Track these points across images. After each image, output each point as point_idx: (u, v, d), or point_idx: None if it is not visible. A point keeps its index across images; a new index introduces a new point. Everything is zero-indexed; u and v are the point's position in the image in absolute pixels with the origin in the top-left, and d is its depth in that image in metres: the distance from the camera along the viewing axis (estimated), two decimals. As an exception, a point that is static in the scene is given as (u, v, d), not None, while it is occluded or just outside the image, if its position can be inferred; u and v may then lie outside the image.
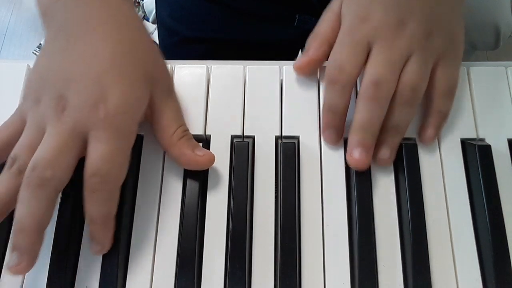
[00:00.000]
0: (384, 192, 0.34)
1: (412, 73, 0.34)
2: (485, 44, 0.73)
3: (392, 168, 0.35)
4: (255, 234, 0.33)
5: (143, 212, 0.34)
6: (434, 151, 0.36)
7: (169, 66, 0.37)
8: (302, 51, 0.67)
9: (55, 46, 0.33)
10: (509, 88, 0.38)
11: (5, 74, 0.39)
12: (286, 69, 0.38)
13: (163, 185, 0.35)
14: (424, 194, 0.34)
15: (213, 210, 0.34)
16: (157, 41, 0.63)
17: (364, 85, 0.33)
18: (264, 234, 0.33)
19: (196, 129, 0.36)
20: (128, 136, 0.32)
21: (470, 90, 0.38)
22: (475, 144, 0.34)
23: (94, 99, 0.30)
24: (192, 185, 0.34)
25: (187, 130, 0.35)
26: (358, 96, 0.34)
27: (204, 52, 0.60)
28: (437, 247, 0.33)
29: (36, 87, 0.32)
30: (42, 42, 1.53)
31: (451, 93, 0.36)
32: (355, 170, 0.34)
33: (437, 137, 0.36)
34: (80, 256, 0.33)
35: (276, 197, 0.34)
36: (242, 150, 0.34)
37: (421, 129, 0.36)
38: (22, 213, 0.29)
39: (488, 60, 0.39)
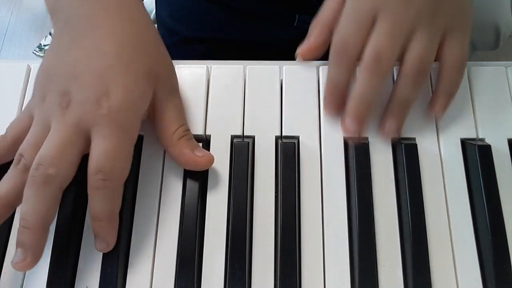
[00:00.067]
0: (384, 192, 0.34)
1: (418, 47, 0.34)
2: (485, 44, 0.73)
3: (392, 168, 0.35)
4: (255, 234, 0.33)
5: (143, 212, 0.34)
6: (434, 151, 0.36)
7: (169, 66, 0.37)
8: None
9: (61, 43, 0.33)
10: (509, 88, 0.38)
11: (5, 74, 0.39)
12: (286, 69, 0.38)
13: (163, 185, 0.35)
14: (424, 194, 0.34)
15: (213, 210, 0.34)
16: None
17: (365, 57, 0.34)
18: (264, 234, 0.33)
19: (196, 129, 0.36)
20: (131, 132, 0.32)
21: (470, 90, 0.38)
22: (475, 144, 0.34)
23: (98, 95, 0.30)
24: (192, 185, 0.34)
25: (188, 130, 0.34)
26: (359, 66, 0.34)
27: (204, 52, 0.60)
28: (437, 247, 0.33)
29: (42, 83, 0.33)
30: (42, 42, 1.53)
31: (460, 67, 0.36)
32: (355, 170, 0.34)
33: (438, 136, 0.36)
34: (80, 256, 0.33)
35: (276, 197, 0.34)
36: (242, 150, 0.35)
37: (432, 101, 0.36)
38: (27, 210, 0.29)
39: (488, 60, 0.39)
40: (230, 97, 0.37)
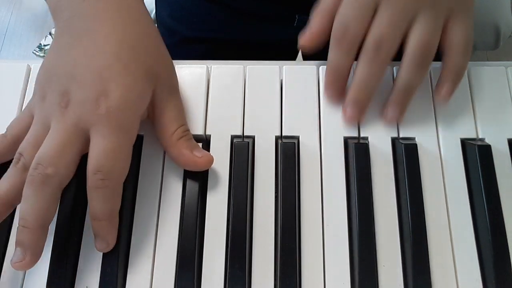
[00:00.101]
0: (384, 192, 0.34)
1: (421, 31, 0.34)
2: (485, 44, 0.73)
3: (392, 168, 0.35)
4: (255, 234, 0.33)
5: (143, 212, 0.34)
6: (434, 151, 0.36)
7: (169, 66, 0.37)
8: (302, 51, 0.67)
9: (62, 42, 0.33)
10: (509, 88, 0.38)
11: (5, 74, 0.39)
12: (286, 69, 0.38)
13: (163, 185, 0.35)
14: (424, 194, 0.34)
15: (213, 210, 0.34)
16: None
17: (366, 44, 0.34)
18: (264, 234, 0.33)
19: (196, 129, 0.36)
20: (130, 132, 0.32)
21: (470, 90, 0.38)
22: (475, 144, 0.34)
23: (96, 94, 0.30)
24: (192, 185, 0.34)
25: (187, 130, 0.34)
26: (360, 54, 0.34)
27: (204, 52, 0.60)
28: (437, 247, 0.33)
29: (43, 83, 0.33)
30: (42, 42, 1.53)
31: (466, 48, 0.35)
32: (355, 170, 0.34)
33: (438, 136, 0.36)
34: (80, 256, 0.33)
35: (276, 197, 0.34)
36: (242, 150, 0.34)
37: (438, 86, 0.36)
38: (26, 210, 0.29)
39: (488, 60, 0.39)
40: (230, 97, 0.37)
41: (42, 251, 0.30)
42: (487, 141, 0.36)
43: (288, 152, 0.34)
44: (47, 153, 0.29)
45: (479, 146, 0.34)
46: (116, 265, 0.32)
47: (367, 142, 0.35)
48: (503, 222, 0.32)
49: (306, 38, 0.36)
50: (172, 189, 0.35)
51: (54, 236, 0.32)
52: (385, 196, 0.34)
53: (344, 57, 0.35)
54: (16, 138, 0.32)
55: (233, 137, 0.36)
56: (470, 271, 0.32)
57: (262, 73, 0.38)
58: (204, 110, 0.37)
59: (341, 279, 0.32)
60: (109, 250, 0.32)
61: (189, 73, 0.38)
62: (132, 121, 0.32)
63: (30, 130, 0.32)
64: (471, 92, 0.37)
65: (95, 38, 0.32)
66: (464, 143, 0.36)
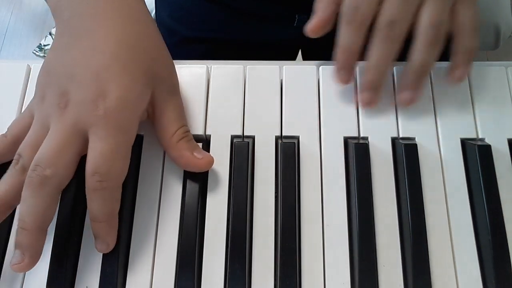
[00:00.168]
0: (384, 192, 0.34)
1: (430, 11, 0.34)
2: (485, 44, 0.73)
3: (392, 168, 0.35)
4: (255, 234, 0.33)
5: (143, 212, 0.34)
6: (434, 151, 0.36)
7: (169, 66, 0.37)
8: (302, 51, 0.67)
9: (62, 43, 0.33)
10: (509, 88, 0.38)
11: (5, 74, 0.39)
12: (286, 69, 0.38)
13: (163, 185, 0.35)
14: (424, 194, 0.34)
15: (213, 210, 0.34)
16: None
17: (378, 25, 0.34)
18: (264, 234, 0.33)
19: (196, 129, 0.36)
20: (128, 132, 0.31)
21: (470, 90, 0.38)
22: (475, 144, 0.35)
23: (94, 95, 0.30)
24: (192, 185, 0.34)
25: (188, 131, 0.34)
26: (373, 36, 0.35)
27: (204, 52, 0.60)
28: (437, 247, 0.33)
29: (42, 83, 0.33)
30: (42, 42, 1.53)
31: (476, 29, 0.36)
32: (355, 170, 0.34)
33: (438, 136, 0.36)
34: (80, 256, 0.33)
35: (276, 197, 0.34)
36: (242, 150, 0.34)
37: (451, 69, 0.36)
38: (24, 211, 0.29)
39: (488, 60, 0.39)
40: (230, 97, 0.37)
41: (41, 253, 0.30)
42: (487, 141, 0.36)
43: (288, 152, 0.34)
44: (45, 155, 0.29)
45: (479, 146, 0.34)
46: (116, 265, 0.32)
47: (367, 142, 0.35)
48: (503, 222, 0.32)
49: (313, 25, 0.36)
50: (172, 189, 0.35)
51: (54, 236, 0.32)
52: (385, 196, 0.34)
53: (355, 36, 0.35)
54: (16, 138, 0.32)
55: (233, 137, 0.36)
56: (470, 271, 0.32)
57: (262, 73, 0.38)
58: (204, 110, 0.37)
59: (341, 279, 0.32)
60: (109, 250, 0.32)
61: (189, 73, 0.38)
62: (131, 122, 0.31)
63: (29, 131, 0.32)
64: (471, 92, 0.38)
65: (94, 38, 0.32)
66: (464, 143, 0.36)
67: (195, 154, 0.33)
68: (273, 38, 0.60)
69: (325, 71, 0.38)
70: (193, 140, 0.34)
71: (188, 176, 0.34)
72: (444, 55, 0.36)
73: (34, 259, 0.30)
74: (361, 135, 0.36)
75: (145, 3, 0.37)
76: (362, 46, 0.36)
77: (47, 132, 0.30)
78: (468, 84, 0.38)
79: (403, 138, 0.36)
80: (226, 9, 0.59)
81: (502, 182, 0.34)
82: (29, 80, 0.39)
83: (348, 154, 0.35)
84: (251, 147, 0.35)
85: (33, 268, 0.30)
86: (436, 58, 0.35)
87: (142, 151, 0.36)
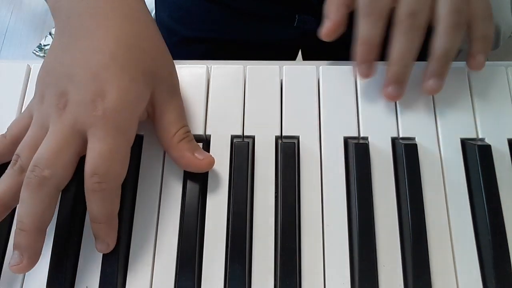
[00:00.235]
0: (384, 192, 0.34)
1: (448, 0, 0.35)
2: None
3: (392, 168, 0.35)
4: (255, 234, 0.33)
5: (143, 212, 0.34)
6: (434, 151, 0.36)
7: (169, 66, 0.37)
8: (302, 51, 0.67)
9: (61, 43, 0.33)
10: (509, 88, 0.38)
11: (5, 74, 0.39)
12: (286, 69, 0.38)
13: (163, 185, 0.35)
14: (424, 194, 0.34)
15: (213, 210, 0.34)
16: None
17: (399, 18, 0.35)
18: (264, 234, 0.33)
19: (196, 129, 0.36)
20: (127, 133, 0.31)
21: (470, 90, 0.38)
22: (475, 144, 0.34)
23: (93, 96, 0.30)
24: (192, 185, 0.34)
25: (188, 131, 0.34)
26: (394, 29, 0.35)
27: (204, 52, 0.60)
28: (437, 247, 0.33)
29: (42, 84, 0.33)
30: (42, 42, 1.53)
31: (489, 16, 0.37)
32: (355, 170, 0.34)
33: (438, 136, 0.36)
34: (80, 256, 0.33)
35: (276, 197, 0.34)
36: (242, 150, 0.34)
37: (469, 57, 0.37)
38: (23, 213, 0.29)
39: (488, 60, 0.39)
40: (230, 97, 0.37)
41: (40, 254, 0.30)
42: (487, 141, 0.36)
43: (288, 152, 0.34)
44: (44, 155, 0.29)
45: (479, 146, 0.34)
46: (116, 266, 0.32)
47: (367, 142, 0.35)
48: (503, 222, 0.32)
49: (327, 29, 0.37)
50: (172, 189, 0.35)
51: (54, 236, 0.32)
52: (385, 196, 0.34)
53: (375, 28, 0.35)
54: (15, 138, 0.32)
55: (233, 137, 0.36)
56: (470, 271, 0.32)
57: (262, 73, 0.38)
58: (204, 110, 0.37)
59: (341, 279, 0.32)
60: (109, 251, 0.32)
61: (189, 73, 0.38)
62: (129, 122, 0.31)
63: (28, 131, 0.32)
64: (471, 92, 0.38)
65: (93, 38, 0.32)
66: (464, 143, 0.36)
67: (196, 154, 0.33)
68: (273, 38, 0.60)
69: (325, 71, 0.38)
70: (194, 140, 0.34)
71: (188, 176, 0.34)
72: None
73: (33, 260, 0.30)
74: (361, 135, 0.36)
75: (145, 3, 0.37)
76: (382, 39, 0.36)
77: (46, 132, 0.30)
78: (468, 84, 0.38)
79: (403, 138, 0.36)
80: (226, 9, 0.59)
81: (502, 182, 0.34)
82: (29, 80, 0.39)
83: (348, 154, 0.35)
84: (251, 147, 0.35)
85: (33, 269, 0.30)
86: (458, 45, 0.35)
87: (142, 151, 0.36)
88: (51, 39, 1.53)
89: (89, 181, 0.29)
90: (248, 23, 0.59)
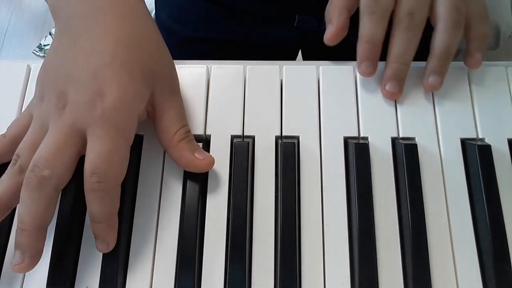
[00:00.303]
0: (384, 192, 0.34)
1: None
2: (485, 44, 0.72)
3: (392, 168, 0.35)
4: (255, 234, 0.33)
5: (143, 212, 0.34)
6: (434, 151, 0.36)
7: (169, 66, 0.37)
8: (302, 51, 0.67)
9: (61, 43, 0.33)
10: (509, 88, 0.38)
11: (5, 74, 0.39)
12: (286, 69, 0.38)
13: (163, 185, 0.35)
14: (424, 194, 0.34)
15: (213, 210, 0.34)
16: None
17: (398, 17, 0.36)
18: (264, 234, 0.33)
19: (196, 129, 0.36)
20: (127, 132, 0.31)
21: (470, 90, 0.38)
22: (475, 144, 0.35)
23: (92, 95, 0.30)
24: (192, 185, 0.34)
25: (189, 131, 0.34)
26: (393, 28, 0.36)
27: (204, 52, 0.60)
28: (437, 247, 0.33)
29: (41, 84, 0.33)
30: (42, 42, 1.53)
31: (485, 16, 0.38)
32: (355, 170, 0.34)
33: (438, 136, 0.36)
34: (80, 256, 0.33)
35: (276, 197, 0.34)
36: (242, 150, 0.34)
37: (467, 56, 0.37)
38: (23, 212, 0.29)
39: (488, 60, 0.39)
40: (230, 97, 0.37)
41: (41, 253, 0.30)
42: (487, 141, 0.36)
43: (288, 152, 0.34)
44: (43, 155, 0.29)
45: (479, 146, 0.34)
46: (116, 265, 0.32)
47: (367, 142, 0.35)
48: (503, 222, 0.32)
49: (331, 34, 0.38)
50: (172, 189, 0.35)
51: (54, 236, 0.32)
52: (385, 196, 0.34)
53: (377, 27, 0.36)
54: (14, 138, 0.32)
55: (233, 137, 0.36)
56: (470, 271, 0.32)
57: (262, 73, 0.38)
58: (204, 110, 0.37)
59: (341, 279, 0.32)
60: (109, 250, 0.32)
61: (189, 73, 0.38)
62: (129, 122, 0.31)
63: (28, 131, 0.32)
64: (471, 92, 0.38)
65: (93, 38, 0.32)
66: (464, 143, 0.36)
67: (196, 154, 0.33)
68: (273, 38, 0.60)
69: (325, 71, 0.38)
70: (194, 140, 0.34)
71: (188, 176, 0.34)
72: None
73: (34, 259, 0.30)
74: (361, 135, 0.36)
75: (145, 3, 0.37)
76: (383, 38, 0.36)
77: (46, 132, 0.30)
78: (468, 84, 0.38)
79: (403, 138, 0.36)
80: (226, 9, 0.59)
81: (502, 182, 0.34)
82: (29, 80, 0.39)
83: (348, 154, 0.35)
84: (251, 147, 0.35)
85: (32, 269, 0.30)
86: (458, 43, 0.36)
87: (142, 151, 0.36)
88: (51, 39, 1.53)
89: (89, 181, 0.29)
90: (248, 23, 0.59)
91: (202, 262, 0.33)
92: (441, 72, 0.37)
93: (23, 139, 0.31)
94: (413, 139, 0.36)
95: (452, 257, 0.33)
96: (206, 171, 0.34)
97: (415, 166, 0.34)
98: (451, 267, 0.32)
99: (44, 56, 1.48)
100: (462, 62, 0.38)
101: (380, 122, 0.36)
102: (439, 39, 0.36)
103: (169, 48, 0.36)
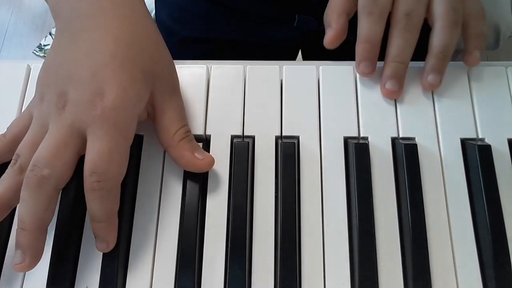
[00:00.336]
0: (384, 192, 0.34)
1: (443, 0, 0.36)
2: (485, 44, 0.72)
3: (392, 168, 0.35)
4: (255, 234, 0.33)
5: (143, 212, 0.34)
6: (434, 151, 0.36)
7: (169, 66, 0.37)
8: (302, 51, 0.67)
9: (61, 43, 0.33)
10: (509, 88, 0.38)
11: (5, 74, 0.39)
12: (286, 69, 0.38)
13: (163, 185, 0.35)
14: (424, 194, 0.34)
15: (213, 210, 0.34)
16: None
17: (396, 17, 0.36)
18: (264, 234, 0.33)
19: (196, 129, 0.36)
20: (127, 132, 0.31)
21: (470, 90, 0.38)
22: (475, 144, 0.34)
23: (92, 94, 0.30)
24: (192, 185, 0.34)
25: (188, 131, 0.34)
26: (391, 28, 0.36)
27: (204, 52, 0.60)
28: (437, 247, 0.33)
29: (42, 84, 0.33)
30: (42, 42, 1.53)
31: (483, 16, 0.39)
32: (355, 170, 0.34)
33: (438, 136, 0.36)
34: (80, 256, 0.33)
35: (276, 197, 0.34)
36: (242, 150, 0.34)
37: (466, 54, 0.38)
38: (23, 212, 0.29)
39: (488, 60, 0.39)
40: (230, 97, 0.37)
41: (42, 252, 0.30)
42: (487, 141, 0.36)
43: (288, 152, 0.34)
44: (43, 155, 0.29)
45: (479, 146, 0.34)
46: (116, 265, 0.32)
47: (367, 142, 0.35)
48: (503, 222, 0.32)
49: (330, 37, 0.38)
50: (172, 189, 0.35)
51: (54, 236, 0.32)
52: (385, 196, 0.34)
53: (376, 27, 0.37)
54: (14, 138, 0.32)
55: (233, 137, 0.36)
56: (470, 271, 0.32)
57: (262, 73, 0.38)
58: (204, 110, 0.37)
59: (341, 279, 0.32)
60: (109, 250, 0.32)
61: (189, 73, 0.38)
62: (128, 121, 0.31)
63: (28, 131, 0.32)
64: (471, 92, 0.38)
65: (92, 38, 0.32)
66: (464, 143, 0.36)
67: (196, 154, 0.33)
68: (273, 38, 0.60)
69: (325, 71, 0.38)
70: (194, 140, 0.34)
71: (188, 176, 0.34)
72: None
73: (35, 258, 0.30)
74: (361, 135, 0.36)
75: (144, 3, 0.37)
76: (382, 38, 0.37)
77: (46, 132, 0.30)
78: (468, 84, 0.38)
79: (403, 138, 0.36)
80: (226, 9, 0.59)
81: (502, 182, 0.34)
82: (29, 80, 0.39)
83: (348, 154, 0.35)
84: (251, 147, 0.35)
85: (33, 268, 0.30)
86: (455, 42, 0.37)
87: (142, 151, 0.36)
88: (51, 39, 1.53)
89: (89, 180, 0.29)
90: (248, 23, 0.59)
91: (202, 262, 0.33)
92: (440, 71, 0.37)
93: (23, 139, 0.31)
94: (413, 139, 0.36)
95: (452, 257, 0.33)
96: (206, 171, 0.34)
97: (415, 166, 0.34)
98: (451, 267, 0.32)
99: (44, 56, 1.48)
100: (462, 62, 0.38)
101: (380, 122, 0.36)
102: (437, 38, 0.37)
103: (169, 48, 0.36)
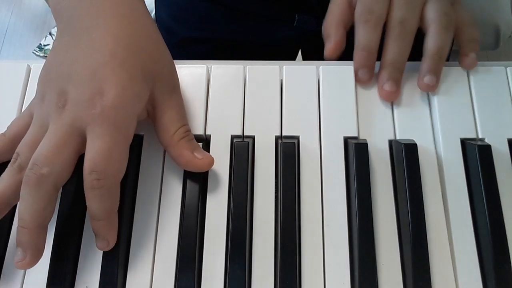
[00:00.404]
0: (384, 192, 0.34)
1: (436, 5, 0.38)
2: (485, 44, 0.73)
3: (392, 168, 0.35)
4: (255, 234, 0.33)
5: (143, 212, 0.34)
6: (434, 151, 0.36)
7: (169, 66, 0.37)
8: (302, 51, 0.67)
9: (62, 42, 0.33)
10: (509, 88, 0.38)
11: (5, 74, 0.39)
12: (286, 69, 0.38)
13: (163, 185, 0.35)
14: (424, 194, 0.34)
15: (213, 210, 0.34)
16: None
17: (391, 25, 0.38)
18: (264, 234, 0.33)
19: (196, 129, 0.36)
20: (126, 130, 0.31)
21: (470, 90, 0.38)
22: (475, 144, 0.34)
23: (92, 93, 0.30)
24: (192, 185, 0.34)
25: (188, 130, 0.34)
26: (386, 36, 0.38)
27: (204, 52, 0.60)
28: (437, 247, 0.33)
29: (42, 83, 0.33)
30: (42, 42, 1.53)
31: (474, 22, 0.41)
32: (355, 170, 0.34)
33: (438, 136, 0.36)
34: (80, 256, 0.33)
35: (276, 197, 0.34)
36: (242, 150, 0.34)
37: (462, 57, 0.39)
38: (23, 210, 0.29)
39: (488, 60, 0.39)
40: (230, 97, 0.37)
41: (42, 250, 0.30)
42: (487, 141, 0.36)
43: (288, 152, 0.34)
44: (42, 153, 0.29)
45: (479, 146, 0.34)
46: (116, 265, 0.32)
47: (367, 142, 0.35)
48: (503, 222, 0.32)
49: (330, 49, 0.40)
50: (172, 189, 0.35)
51: (54, 235, 0.32)
52: (385, 196, 0.34)
53: (372, 34, 0.38)
54: (14, 137, 0.32)
55: (233, 137, 0.36)
56: (470, 271, 0.32)
57: (262, 73, 0.38)
58: (204, 110, 0.37)
59: (341, 279, 0.32)
60: (109, 248, 0.32)
61: (189, 73, 0.38)
62: (128, 120, 0.31)
63: (28, 130, 0.32)
64: (471, 92, 0.38)
65: (93, 37, 0.32)
66: (464, 143, 0.36)
67: (195, 154, 0.33)
68: (273, 38, 0.60)
69: (325, 71, 0.38)
70: (194, 140, 0.34)
71: (188, 176, 0.34)
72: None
73: (36, 256, 0.30)
74: (361, 135, 0.36)
75: (144, 3, 0.37)
76: (378, 43, 0.38)
77: (46, 131, 0.31)
78: (468, 84, 0.38)
79: (403, 138, 0.36)
80: (225, 9, 0.59)
81: (502, 182, 0.34)
82: (29, 80, 0.39)
83: (348, 154, 0.35)
84: (251, 147, 0.35)
85: (33, 268, 0.30)
86: (449, 44, 0.38)
87: (142, 151, 0.36)
88: (51, 39, 1.53)
89: (88, 179, 0.30)
90: (248, 23, 0.59)
91: (202, 262, 0.33)
92: (436, 72, 0.37)
93: (23, 138, 0.31)
94: (412, 139, 0.36)
95: (452, 257, 0.33)
96: (206, 170, 0.34)
97: (415, 165, 0.34)
98: (451, 267, 0.32)
99: (44, 56, 1.48)
100: (462, 63, 0.38)
101: (379, 123, 0.36)
102: (432, 40, 0.38)
103: (169, 48, 0.36)
